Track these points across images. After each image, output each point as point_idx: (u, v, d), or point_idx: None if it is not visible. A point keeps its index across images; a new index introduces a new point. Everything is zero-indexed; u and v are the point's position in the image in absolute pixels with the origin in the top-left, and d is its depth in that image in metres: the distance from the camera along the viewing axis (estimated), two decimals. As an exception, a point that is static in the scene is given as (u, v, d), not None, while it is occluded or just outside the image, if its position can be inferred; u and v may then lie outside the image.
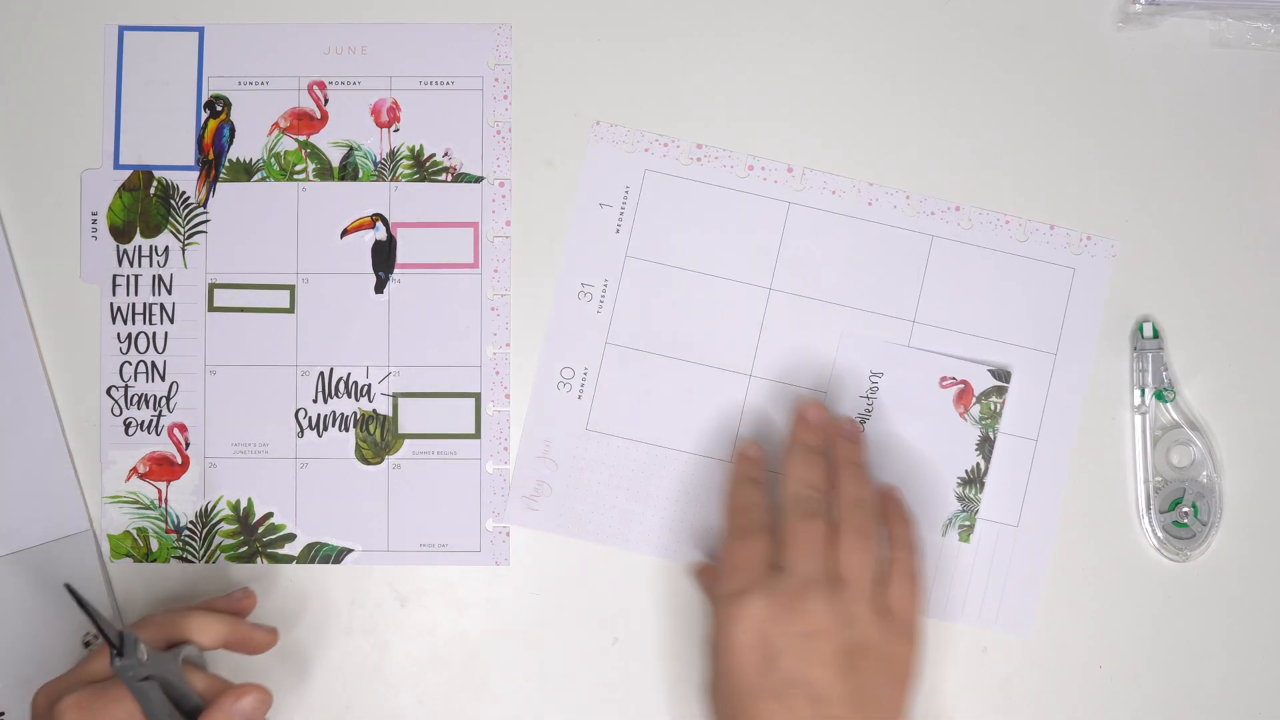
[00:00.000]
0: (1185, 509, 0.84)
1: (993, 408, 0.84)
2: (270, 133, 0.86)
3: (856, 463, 0.79)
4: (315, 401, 0.85)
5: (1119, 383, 0.85)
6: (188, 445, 0.85)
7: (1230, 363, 0.86)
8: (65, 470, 0.84)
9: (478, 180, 0.86)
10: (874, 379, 0.84)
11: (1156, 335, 0.85)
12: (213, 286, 0.86)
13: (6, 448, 0.84)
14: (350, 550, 0.84)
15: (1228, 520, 0.85)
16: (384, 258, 0.86)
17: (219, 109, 0.86)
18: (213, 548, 0.85)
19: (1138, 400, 0.85)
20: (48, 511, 0.84)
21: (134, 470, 0.85)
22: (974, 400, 0.84)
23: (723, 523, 0.81)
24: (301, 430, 0.85)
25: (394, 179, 0.86)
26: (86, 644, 0.79)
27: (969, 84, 0.87)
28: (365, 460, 0.85)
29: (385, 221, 0.86)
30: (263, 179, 0.86)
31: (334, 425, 0.85)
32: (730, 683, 0.71)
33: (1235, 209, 0.86)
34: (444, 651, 0.85)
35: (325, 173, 0.86)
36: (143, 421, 0.85)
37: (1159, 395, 0.84)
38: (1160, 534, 0.84)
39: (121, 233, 0.86)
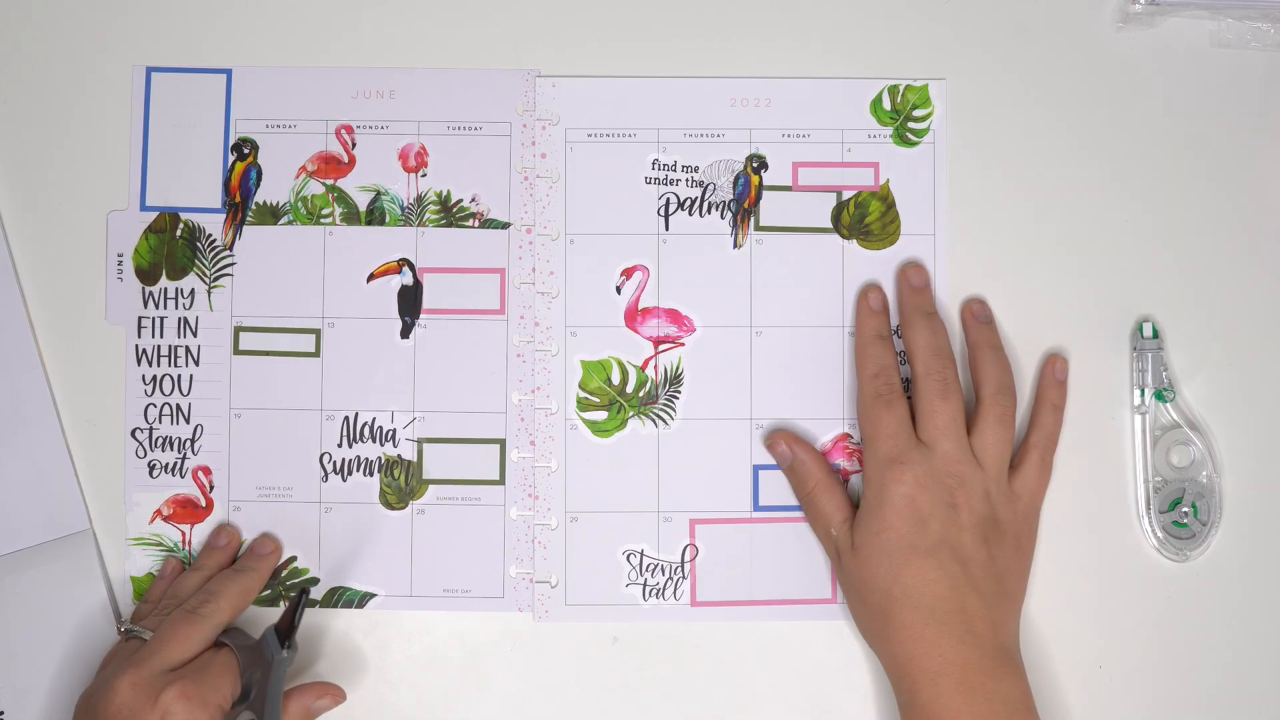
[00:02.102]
0: (1185, 509, 0.84)
1: None
2: (297, 176, 0.86)
3: (927, 312, 0.83)
4: (340, 446, 0.85)
5: (1119, 383, 0.86)
6: (212, 488, 0.85)
7: (1230, 363, 0.86)
8: (65, 470, 0.84)
9: (505, 226, 0.86)
10: None
11: (1156, 335, 0.85)
12: (238, 329, 0.86)
13: (7, 448, 0.84)
14: (373, 595, 0.85)
15: (1228, 520, 0.85)
16: (410, 303, 0.86)
17: (246, 151, 0.86)
18: (236, 591, 0.85)
19: (1138, 400, 0.85)
20: (48, 511, 0.84)
21: (158, 512, 0.85)
22: None
23: (859, 381, 0.83)
24: (326, 474, 0.85)
25: (421, 224, 0.86)
26: (127, 635, 0.79)
27: (969, 84, 0.87)
28: (389, 505, 0.85)
29: (412, 266, 0.86)
30: (289, 222, 0.86)
31: (358, 470, 0.85)
32: (887, 538, 0.78)
33: (1235, 209, 0.87)
34: (444, 651, 0.85)
35: (352, 217, 0.86)
36: (167, 464, 0.85)
37: (1159, 395, 0.85)
38: (1160, 534, 0.85)
39: (147, 274, 0.86)
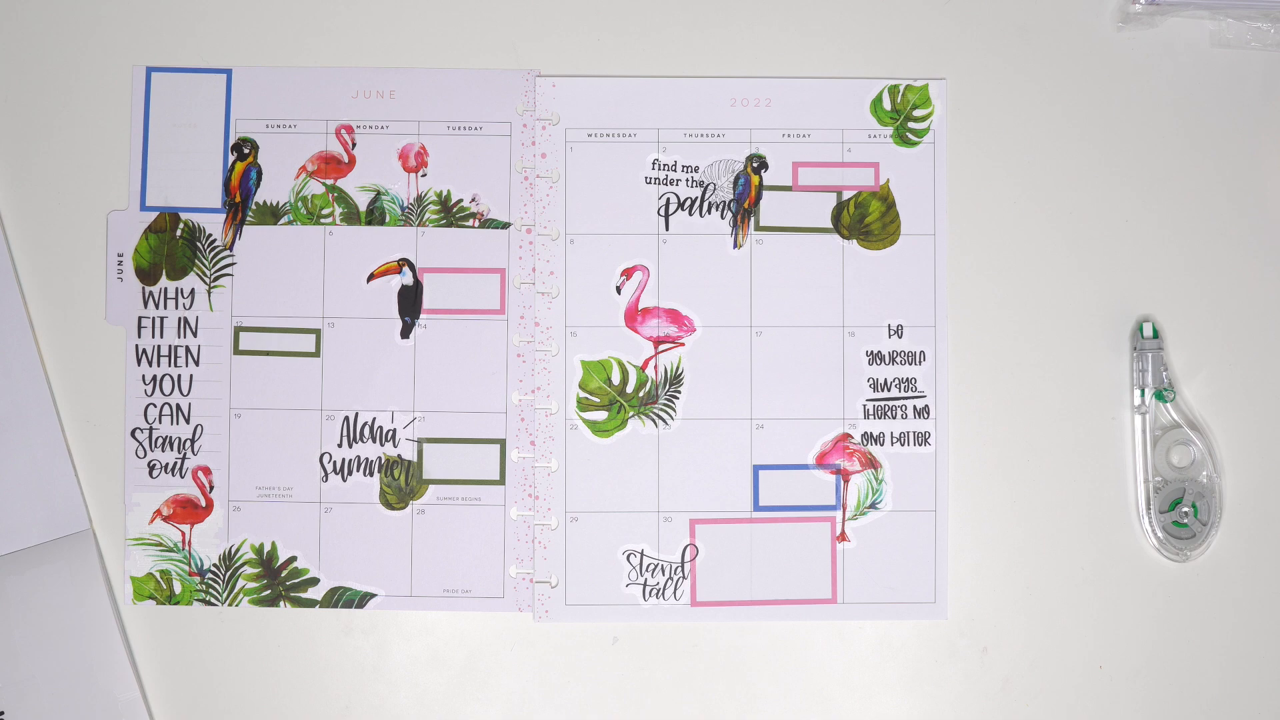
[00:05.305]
0: (1185, 509, 0.85)
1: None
2: (297, 176, 0.86)
3: None
4: (340, 446, 0.85)
5: (1119, 383, 0.86)
6: (212, 488, 0.85)
7: (1230, 363, 0.86)
8: (65, 470, 0.85)
9: (505, 226, 0.86)
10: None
11: (1156, 335, 0.85)
12: (238, 329, 0.86)
13: (6, 448, 0.84)
14: (374, 595, 0.85)
15: (1228, 520, 0.85)
16: (410, 303, 0.86)
17: (246, 151, 0.86)
18: (236, 591, 0.85)
19: (1138, 400, 0.85)
20: (48, 511, 0.84)
21: (158, 513, 0.85)
22: None
23: None
24: (326, 474, 0.85)
25: (421, 224, 0.86)
26: None
27: (969, 84, 0.87)
28: (389, 505, 0.85)
29: (412, 266, 0.86)
30: (289, 222, 0.86)
31: (358, 470, 0.85)
32: None
33: (1235, 209, 0.87)
34: (444, 651, 0.85)
35: (352, 217, 0.86)
36: (167, 464, 0.85)
37: (1159, 395, 0.85)
38: (1160, 534, 0.85)
39: (147, 274, 0.86)
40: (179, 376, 0.85)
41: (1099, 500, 0.86)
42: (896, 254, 0.86)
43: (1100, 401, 0.86)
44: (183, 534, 0.85)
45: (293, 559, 0.85)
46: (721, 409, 0.86)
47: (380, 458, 0.85)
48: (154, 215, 0.86)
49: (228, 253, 0.86)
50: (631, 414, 0.86)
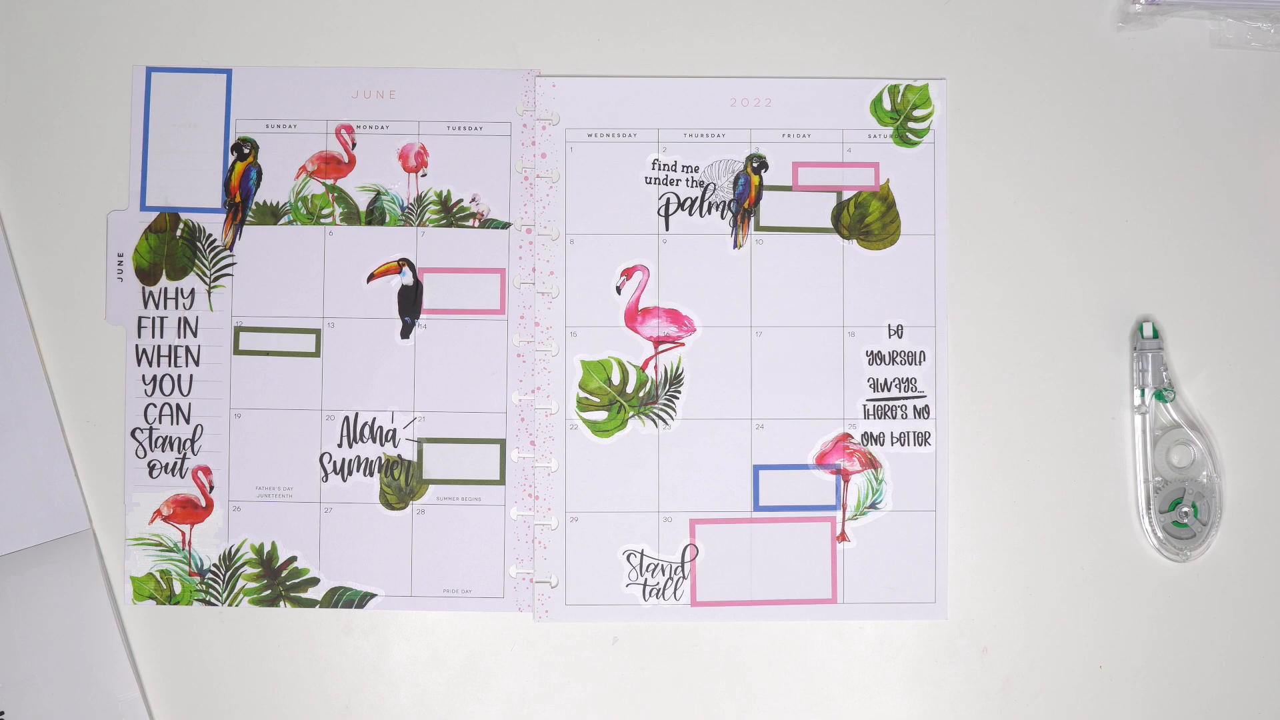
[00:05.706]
0: (1185, 509, 0.85)
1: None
2: (297, 176, 0.86)
3: None
4: (340, 446, 0.85)
5: (1119, 383, 0.86)
6: (212, 488, 0.85)
7: (1230, 363, 0.86)
8: (65, 470, 0.85)
9: (505, 226, 0.86)
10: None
11: (1156, 335, 0.85)
12: (238, 329, 0.86)
13: (6, 448, 0.84)
14: (374, 595, 0.85)
15: (1228, 520, 0.85)
16: (410, 303, 0.86)
17: (246, 151, 0.86)
18: (236, 591, 0.85)
19: (1138, 400, 0.85)
20: (48, 511, 0.84)
21: (158, 513, 0.85)
22: None
23: None
24: (326, 475, 0.85)
25: (421, 224, 0.86)
26: None
27: (969, 84, 0.87)
28: (389, 505, 0.85)
29: (412, 266, 0.86)
30: (289, 222, 0.86)
31: (359, 470, 0.85)
32: None
33: (1235, 209, 0.87)
34: (444, 651, 0.85)
35: (352, 217, 0.86)
36: (167, 464, 0.85)
37: (1159, 395, 0.85)
38: (1160, 534, 0.85)
39: (147, 274, 0.86)
40: (179, 376, 0.85)
41: (1099, 500, 0.86)
42: (896, 254, 0.86)
43: (1100, 401, 0.86)
44: (183, 534, 0.85)
45: (293, 559, 0.85)
46: (721, 409, 0.86)
47: (380, 458, 0.85)
48: (154, 215, 0.86)
49: (228, 253, 0.86)
50: (631, 414, 0.86)
